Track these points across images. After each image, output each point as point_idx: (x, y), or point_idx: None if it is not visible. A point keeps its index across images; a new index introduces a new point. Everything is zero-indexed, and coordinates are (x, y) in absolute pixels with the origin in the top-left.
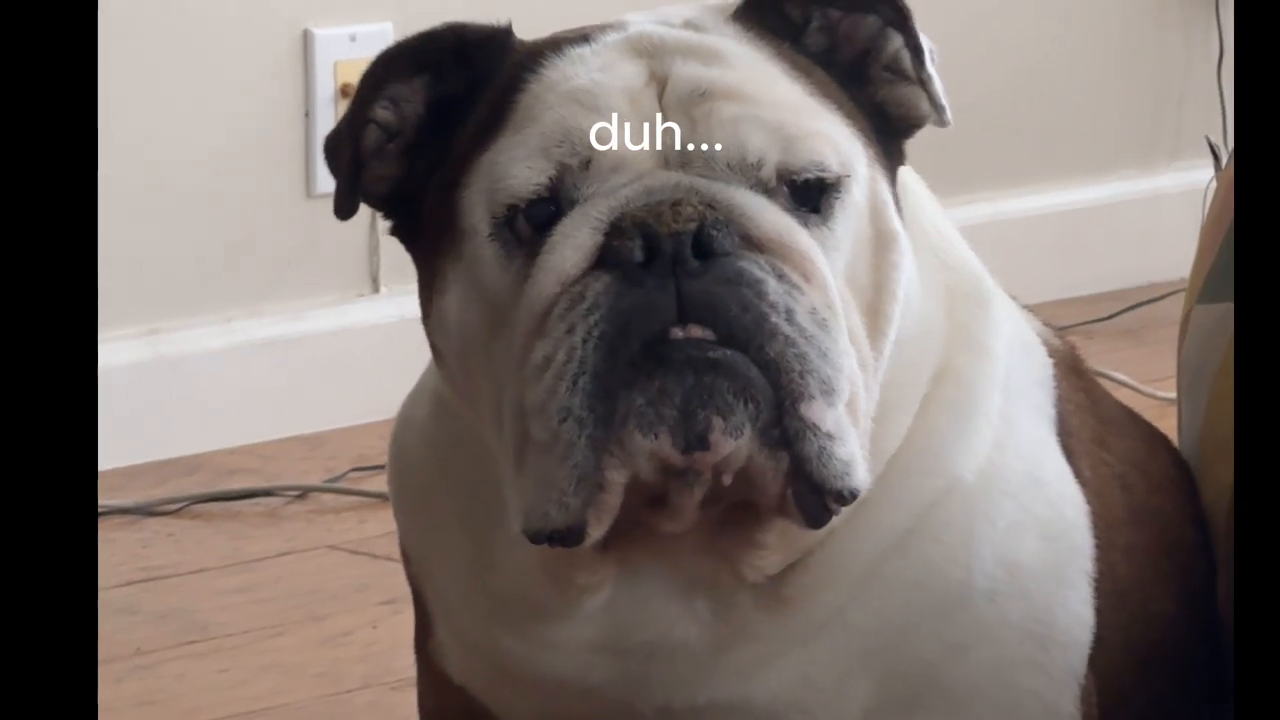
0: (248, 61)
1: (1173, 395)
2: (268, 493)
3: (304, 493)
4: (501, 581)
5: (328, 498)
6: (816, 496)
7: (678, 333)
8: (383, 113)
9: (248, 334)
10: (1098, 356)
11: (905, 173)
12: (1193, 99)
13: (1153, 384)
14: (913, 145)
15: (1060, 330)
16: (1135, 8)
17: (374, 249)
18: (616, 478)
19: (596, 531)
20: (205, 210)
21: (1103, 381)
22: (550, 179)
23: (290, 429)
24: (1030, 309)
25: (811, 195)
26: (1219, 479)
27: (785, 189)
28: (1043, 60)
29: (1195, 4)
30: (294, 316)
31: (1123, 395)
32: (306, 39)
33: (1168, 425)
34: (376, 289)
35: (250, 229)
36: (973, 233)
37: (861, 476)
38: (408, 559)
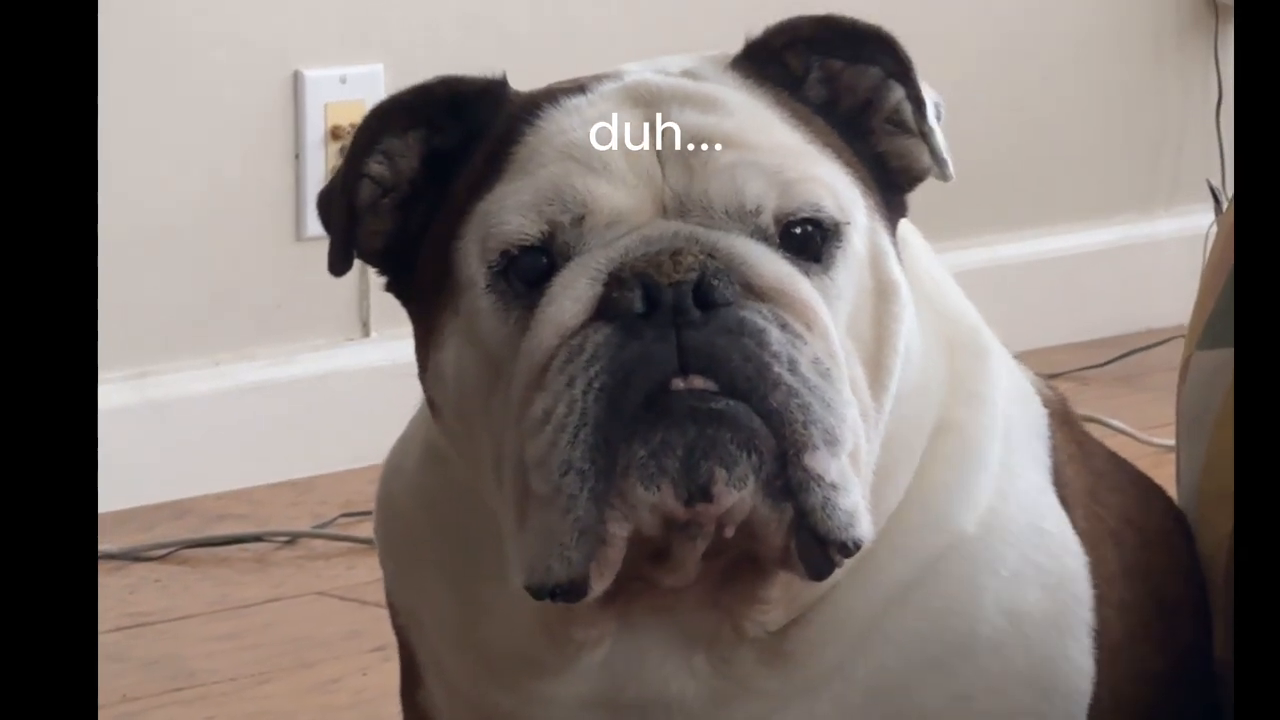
0: (238, 103)
1: (1170, 442)
2: (256, 538)
3: (293, 538)
4: (493, 635)
5: (317, 543)
6: (820, 548)
7: (679, 384)
8: (377, 167)
9: (237, 378)
10: (1095, 402)
11: (901, 222)
12: (1191, 143)
13: (1150, 431)
14: None
15: (1057, 376)
16: (1133, 52)
17: (364, 293)
18: (618, 531)
19: (599, 586)
20: (194, 253)
21: (1099, 428)
22: (542, 233)
23: (279, 474)
24: (1027, 354)
25: (812, 244)
26: (1217, 528)
27: (785, 237)
28: (1041, 104)
29: (1193, 48)
30: (283, 360)
31: (1119, 442)
32: (297, 80)
33: (1165, 473)
34: (366, 333)
35: (240, 272)
36: (970, 278)
37: (865, 527)
38: (395, 610)
